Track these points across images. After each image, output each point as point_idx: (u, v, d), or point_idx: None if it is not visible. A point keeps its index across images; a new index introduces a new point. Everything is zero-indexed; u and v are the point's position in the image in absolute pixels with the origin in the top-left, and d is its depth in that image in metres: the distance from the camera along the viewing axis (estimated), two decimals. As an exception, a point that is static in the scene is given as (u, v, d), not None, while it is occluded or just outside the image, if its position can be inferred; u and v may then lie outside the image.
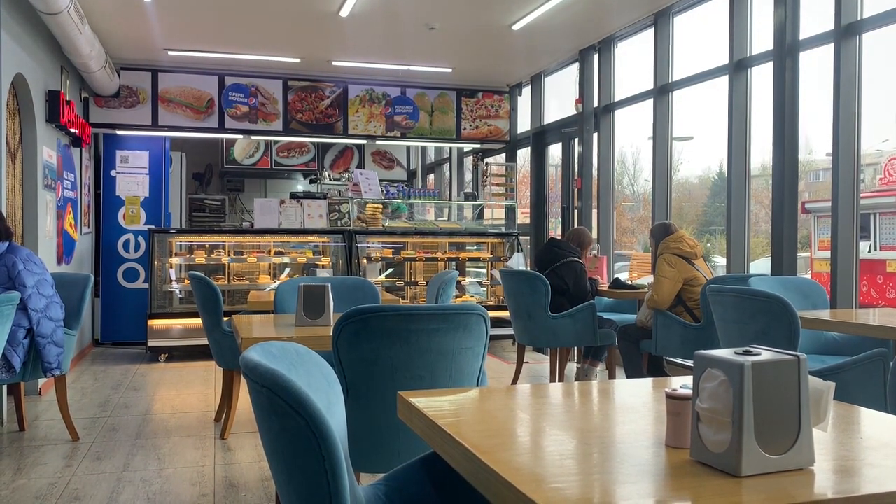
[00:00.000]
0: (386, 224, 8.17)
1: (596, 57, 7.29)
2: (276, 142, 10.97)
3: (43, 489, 3.56)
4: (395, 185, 8.96)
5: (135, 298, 7.90)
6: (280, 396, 1.31)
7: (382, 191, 8.22)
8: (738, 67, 5.54)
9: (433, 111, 8.84)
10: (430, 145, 10.75)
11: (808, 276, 6.93)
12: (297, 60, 7.91)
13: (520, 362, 5.68)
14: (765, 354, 1.29)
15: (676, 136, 6.54)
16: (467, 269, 8.52)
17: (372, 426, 2.55)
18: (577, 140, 7.52)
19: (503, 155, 9.33)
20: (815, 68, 5.06)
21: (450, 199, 10.28)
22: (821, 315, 3.66)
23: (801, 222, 6.33)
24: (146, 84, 7.96)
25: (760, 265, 6.21)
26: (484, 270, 8.53)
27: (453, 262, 8.17)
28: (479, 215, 8.99)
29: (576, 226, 6.98)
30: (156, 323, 7.14)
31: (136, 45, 7.33)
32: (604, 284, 6.00)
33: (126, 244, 8.13)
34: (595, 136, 7.29)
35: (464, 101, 8.93)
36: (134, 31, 6.90)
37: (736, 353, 1.30)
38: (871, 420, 1.62)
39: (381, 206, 8.14)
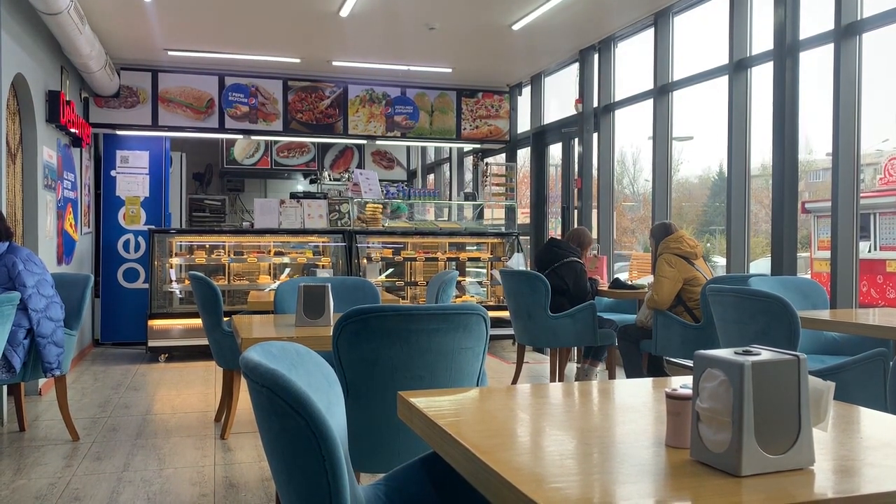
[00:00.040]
0: (386, 224, 8.16)
1: (596, 57, 7.29)
2: (276, 142, 10.97)
3: (43, 489, 3.56)
4: (395, 185, 8.95)
5: (135, 298, 7.91)
6: (280, 396, 1.31)
7: (382, 191, 8.22)
8: (738, 67, 5.54)
9: (433, 111, 8.84)
10: (430, 145, 10.75)
11: (808, 276, 6.92)
12: (297, 60, 7.91)
13: (520, 362, 5.68)
14: (765, 354, 1.29)
15: (676, 136, 6.54)
16: (467, 269, 8.51)
17: (372, 426, 2.55)
18: (577, 140, 7.52)
19: (503, 155, 9.33)
20: (815, 68, 5.06)
21: (450, 199, 10.28)
22: (821, 315, 3.66)
23: (801, 222, 6.34)
24: (146, 84, 7.96)
25: (760, 265, 6.21)
26: (484, 270, 8.52)
27: (453, 262, 8.17)
28: (479, 215, 8.99)
29: (576, 226, 6.98)
30: (156, 323, 7.14)
31: (136, 45, 7.33)
32: (604, 284, 6.00)
33: (126, 244, 8.13)
34: (595, 136, 7.29)
35: (464, 101, 8.93)
36: (134, 31, 6.90)
37: (736, 353, 1.30)
38: (871, 420, 1.62)
39: (381, 206, 8.14)
